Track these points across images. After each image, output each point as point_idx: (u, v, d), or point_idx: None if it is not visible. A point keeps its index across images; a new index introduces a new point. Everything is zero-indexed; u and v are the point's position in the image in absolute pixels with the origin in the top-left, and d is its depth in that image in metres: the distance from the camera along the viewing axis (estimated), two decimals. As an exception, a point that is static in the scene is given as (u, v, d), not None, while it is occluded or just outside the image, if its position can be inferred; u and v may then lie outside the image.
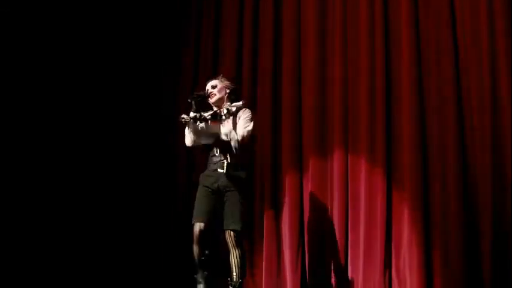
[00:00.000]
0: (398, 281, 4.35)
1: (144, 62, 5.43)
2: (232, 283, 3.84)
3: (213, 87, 4.13)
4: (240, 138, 3.89)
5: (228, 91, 4.13)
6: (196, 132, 3.98)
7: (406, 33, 4.56)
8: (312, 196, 4.74)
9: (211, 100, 4.10)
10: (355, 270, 4.48)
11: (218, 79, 4.18)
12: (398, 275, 4.36)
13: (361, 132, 4.63)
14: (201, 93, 4.08)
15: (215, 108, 4.08)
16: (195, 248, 3.88)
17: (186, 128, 4.01)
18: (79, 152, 5.07)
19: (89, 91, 5.17)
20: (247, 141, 3.95)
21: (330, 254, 4.62)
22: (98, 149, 5.15)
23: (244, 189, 3.97)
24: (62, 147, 4.97)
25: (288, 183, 4.82)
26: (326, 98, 4.85)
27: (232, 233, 3.89)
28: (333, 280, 4.56)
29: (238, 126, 3.93)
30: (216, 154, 3.99)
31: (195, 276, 3.90)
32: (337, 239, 4.57)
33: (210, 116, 3.91)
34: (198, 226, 3.90)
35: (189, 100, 3.92)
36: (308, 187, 4.78)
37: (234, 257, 3.87)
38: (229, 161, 3.94)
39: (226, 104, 4.03)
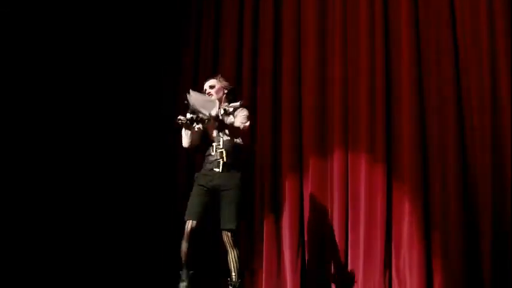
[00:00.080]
0: (398, 281, 4.36)
1: (144, 62, 5.43)
2: (232, 283, 3.83)
3: (211, 87, 4.12)
4: (236, 125, 3.87)
5: (226, 91, 4.13)
6: (193, 133, 3.98)
7: (406, 33, 4.56)
8: (312, 196, 4.74)
9: None
10: (355, 270, 4.48)
11: (216, 79, 4.18)
12: (398, 275, 4.37)
13: (361, 132, 4.63)
14: (194, 117, 4.05)
15: None
16: (184, 245, 3.87)
17: (183, 129, 4.02)
18: (79, 152, 5.06)
19: (89, 91, 5.17)
20: (241, 133, 3.93)
21: (330, 254, 4.62)
22: (98, 149, 5.15)
23: (240, 189, 3.96)
24: (62, 147, 4.97)
25: (288, 183, 4.82)
26: (326, 98, 4.85)
27: (229, 233, 3.88)
28: (332, 280, 4.56)
29: (235, 120, 3.93)
30: (212, 154, 3.99)
31: (180, 272, 3.88)
32: (337, 239, 4.57)
33: (206, 117, 3.90)
34: (189, 224, 3.90)
35: (185, 102, 3.92)
36: (308, 187, 4.78)
37: (232, 257, 3.87)
38: (225, 160, 3.94)
39: (224, 105, 4.02)
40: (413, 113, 4.46)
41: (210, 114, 3.73)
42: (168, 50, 5.49)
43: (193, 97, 3.82)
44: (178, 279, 3.89)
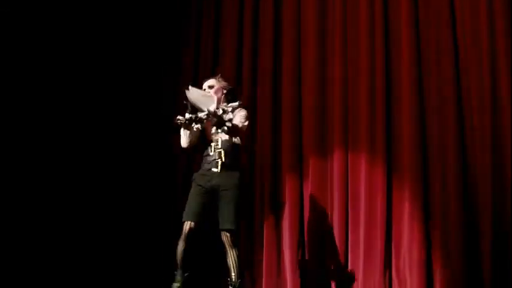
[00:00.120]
0: (398, 281, 4.36)
1: (144, 62, 5.43)
2: (232, 283, 3.83)
3: (210, 87, 4.11)
4: (234, 124, 3.85)
5: (224, 91, 4.13)
6: (192, 133, 3.98)
7: (406, 33, 4.56)
8: (312, 196, 4.74)
9: None
10: (355, 270, 4.48)
11: (215, 79, 4.18)
12: (398, 275, 4.37)
13: (361, 132, 4.63)
14: (195, 116, 4.05)
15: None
16: (182, 244, 3.87)
17: (182, 129, 4.01)
18: (79, 152, 5.06)
19: (89, 91, 5.17)
20: (239, 132, 3.93)
21: (330, 254, 4.62)
22: (98, 149, 5.15)
23: (238, 189, 3.95)
24: (62, 147, 4.96)
25: (288, 183, 4.82)
26: (326, 98, 4.85)
27: (228, 233, 3.88)
28: (333, 280, 4.56)
29: (234, 120, 3.92)
30: (211, 154, 3.99)
31: (175, 272, 3.87)
32: (337, 239, 4.57)
33: (205, 116, 3.90)
34: (188, 224, 3.89)
35: (184, 101, 3.91)
36: (308, 187, 4.78)
37: (231, 257, 3.86)
38: (223, 160, 3.94)
39: (223, 105, 4.02)
40: (413, 113, 4.46)
41: (208, 110, 3.73)
42: (168, 50, 5.49)
43: (192, 92, 3.83)
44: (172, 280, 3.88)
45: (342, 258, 4.55)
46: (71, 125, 5.03)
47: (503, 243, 4.06)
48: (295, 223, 4.75)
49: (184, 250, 3.86)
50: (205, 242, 4.52)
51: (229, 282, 3.84)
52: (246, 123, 3.96)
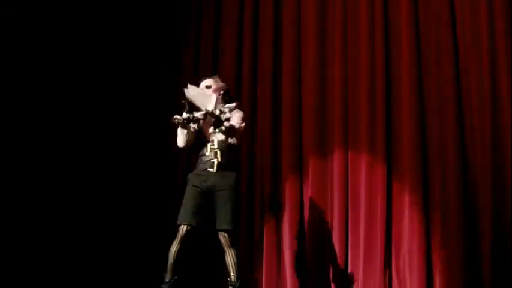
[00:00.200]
0: (398, 281, 4.36)
1: (144, 62, 5.43)
2: (232, 283, 3.82)
3: (207, 87, 4.10)
4: (232, 125, 3.84)
5: (222, 92, 4.11)
6: (189, 133, 3.97)
7: (406, 33, 4.56)
8: (312, 196, 4.74)
9: None
10: (355, 270, 4.48)
11: (213, 79, 4.17)
12: (398, 275, 4.37)
13: (361, 132, 4.63)
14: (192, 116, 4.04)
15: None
16: (176, 246, 3.84)
17: (179, 128, 4.01)
18: (79, 153, 5.06)
19: (89, 91, 5.17)
20: (236, 133, 3.93)
21: (330, 254, 4.62)
22: (98, 149, 5.15)
23: (234, 189, 3.94)
24: (63, 147, 4.96)
25: (288, 183, 4.82)
26: (326, 98, 4.85)
27: (225, 233, 3.87)
28: (332, 280, 4.56)
29: (231, 121, 3.91)
30: (206, 154, 3.98)
31: (164, 274, 3.83)
32: (337, 239, 4.57)
33: (202, 116, 3.91)
34: (184, 228, 3.87)
35: (183, 101, 3.91)
36: (308, 187, 4.78)
37: (230, 257, 3.85)
38: (219, 160, 3.94)
39: (220, 105, 4.01)
40: (413, 113, 4.46)
41: (206, 109, 3.73)
42: (168, 50, 5.49)
43: (191, 91, 3.84)
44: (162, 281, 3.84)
45: (342, 258, 4.55)
46: (71, 125, 5.03)
47: (503, 243, 4.06)
48: (295, 223, 4.75)
49: (179, 251, 3.84)
50: (203, 242, 4.53)
51: (229, 283, 3.84)
52: (243, 124, 3.95)
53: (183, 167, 5.18)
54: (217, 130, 3.76)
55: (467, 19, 4.40)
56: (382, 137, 4.55)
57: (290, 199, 4.79)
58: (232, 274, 3.83)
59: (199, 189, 3.94)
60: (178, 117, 3.92)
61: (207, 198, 3.93)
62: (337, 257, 4.56)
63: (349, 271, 4.51)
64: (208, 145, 3.99)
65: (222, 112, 3.78)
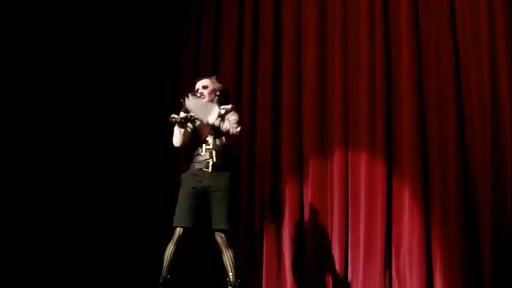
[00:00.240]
0: (398, 281, 4.36)
1: (144, 62, 5.42)
2: (231, 283, 3.82)
3: (204, 87, 4.09)
4: (231, 132, 3.87)
5: (218, 93, 4.11)
6: (185, 132, 3.97)
7: (406, 33, 4.56)
8: (312, 196, 4.74)
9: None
10: (355, 270, 4.48)
11: (210, 79, 4.15)
12: (399, 275, 4.37)
13: (361, 132, 4.63)
14: (196, 95, 4.05)
15: None
16: (172, 248, 3.84)
17: (176, 127, 4.00)
18: (80, 153, 5.06)
19: (89, 91, 5.17)
20: (234, 140, 3.94)
21: (330, 254, 4.62)
22: (99, 149, 5.15)
23: (230, 189, 3.93)
24: (63, 148, 4.96)
25: (288, 183, 4.82)
26: (326, 98, 4.85)
27: (222, 233, 3.86)
28: (332, 280, 4.56)
29: (226, 126, 3.91)
30: (202, 153, 3.97)
31: (159, 276, 3.82)
32: (337, 239, 4.57)
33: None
34: (180, 229, 3.86)
35: (181, 100, 3.92)
36: (308, 187, 4.78)
37: (227, 257, 3.84)
38: (214, 160, 3.93)
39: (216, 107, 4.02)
40: (413, 113, 4.46)
41: (207, 121, 3.75)
42: (168, 50, 5.48)
43: (191, 102, 3.83)
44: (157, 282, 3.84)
45: (342, 258, 4.55)
46: (71, 126, 5.03)
47: (503, 243, 4.06)
48: (295, 223, 4.75)
49: (175, 252, 3.84)
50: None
51: (228, 283, 3.84)
52: (238, 129, 3.92)
53: (183, 167, 5.17)
54: (212, 133, 3.80)
55: (467, 19, 4.40)
56: (382, 137, 4.55)
57: (290, 199, 4.79)
58: (231, 274, 3.83)
59: (194, 190, 3.92)
60: (175, 116, 3.92)
61: (202, 199, 3.92)
62: (337, 257, 4.55)
63: (349, 271, 4.51)
64: (204, 145, 3.98)
65: (218, 114, 3.81)
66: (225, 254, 3.85)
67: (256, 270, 4.82)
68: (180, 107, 3.97)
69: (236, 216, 4.57)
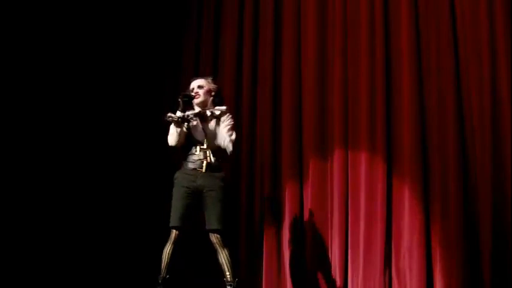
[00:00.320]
0: (398, 281, 4.35)
1: (144, 62, 5.43)
2: (229, 283, 3.82)
3: (200, 87, 4.09)
4: (231, 150, 3.90)
5: (213, 94, 4.11)
6: (181, 132, 3.97)
7: (406, 33, 4.56)
8: (312, 196, 4.74)
9: (196, 101, 4.06)
10: (355, 270, 4.47)
11: (205, 80, 4.15)
12: (398, 275, 4.36)
13: (361, 132, 4.63)
14: (191, 94, 4.05)
15: (198, 109, 4.05)
16: (170, 248, 3.85)
17: (172, 126, 3.99)
18: (80, 153, 5.07)
19: (91, 92, 5.18)
20: (230, 150, 3.95)
21: (330, 254, 4.62)
22: (100, 150, 5.15)
23: (224, 189, 3.94)
24: (64, 148, 4.97)
25: (288, 183, 4.82)
26: (326, 98, 4.85)
27: (217, 233, 3.86)
28: (332, 280, 4.56)
29: (221, 134, 3.92)
30: (196, 153, 3.97)
31: (158, 277, 3.83)
32: (337, 238, 4.57)
33: (193, 116, 3.92)
34: (177, 231, 3.88)
35: (179, 99, 3.92)
36: (308, 187, 4.78)
37: (223, 257, 3.85)
38: (209, 160, 3.93)
39: (211, 107, 4.01)
40: (413, 113, 4.46)
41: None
42: (168, 50, 5.49)
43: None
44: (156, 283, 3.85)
45: (341, 258, 4.55)
46: (71, 126, 5.04)
47: (503, 243, 4.05)
48: (295, 223, 4.75)
49: (172, 252, 3.84)
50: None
51: (226, 282, 3.84)
52: (234, 136, 3.94)
53: (180, 165, 5.17)
54: (207, 133, 3.81)
55: (467, 19, 4.40)
56: (382, 137, 4.54)
57: (290, 199, 4.79)
58: (228, 273, 3.83)
59: (189, 190, 3.93)
60: (172, 115, 3.92)
61: (196, 199, 3.92)
62: (337, 256, 4.55)
63: (349, 271, 4.51)
64: (198, 145, 3.98)
65: (212, 114, 3.87)
66: (221, 253, 3.86)
67: (256, 270, 4.82)
68: (177, 106, 3.97)
69: (233, 216, 4.59)
